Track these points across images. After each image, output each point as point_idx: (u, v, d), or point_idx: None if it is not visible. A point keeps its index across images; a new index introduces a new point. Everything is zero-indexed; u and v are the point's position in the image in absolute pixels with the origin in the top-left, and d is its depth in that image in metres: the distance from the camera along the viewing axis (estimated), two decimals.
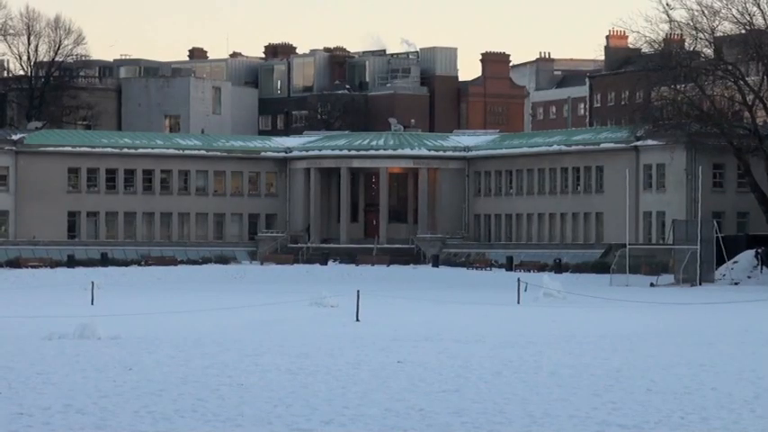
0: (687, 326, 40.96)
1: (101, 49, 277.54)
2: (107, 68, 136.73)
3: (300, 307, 51.92)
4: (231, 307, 51.19)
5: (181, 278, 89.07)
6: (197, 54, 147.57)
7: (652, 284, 77.24)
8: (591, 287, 72.05)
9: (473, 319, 45.53)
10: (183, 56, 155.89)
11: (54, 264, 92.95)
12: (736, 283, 76.32)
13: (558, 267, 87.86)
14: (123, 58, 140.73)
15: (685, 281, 77.58)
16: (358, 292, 45.71)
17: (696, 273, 77.55)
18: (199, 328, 38.59)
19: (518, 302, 56.75)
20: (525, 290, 60.97)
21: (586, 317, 46.61)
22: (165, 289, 75.05)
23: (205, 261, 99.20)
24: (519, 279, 61.72)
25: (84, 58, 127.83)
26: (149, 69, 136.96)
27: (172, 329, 37.95)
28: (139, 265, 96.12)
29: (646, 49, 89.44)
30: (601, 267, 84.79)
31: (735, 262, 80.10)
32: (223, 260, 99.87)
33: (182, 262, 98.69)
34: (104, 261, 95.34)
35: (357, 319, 42.66)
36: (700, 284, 76.38)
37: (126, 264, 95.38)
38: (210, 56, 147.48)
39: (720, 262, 79.72)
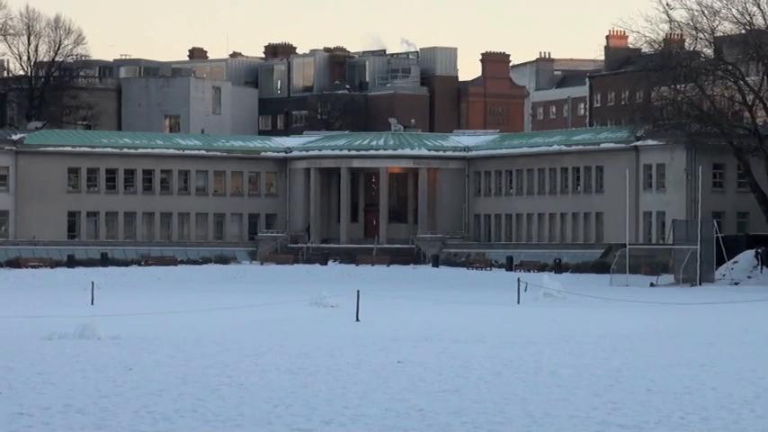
0: (687, 326, 40.94)
1: (101, 49, 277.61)
2: (107, 68, 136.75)
3: (300, 307, 51.89)
4: (231, 307, 51.15)
5: (181, 278, 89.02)
6: (197, 54, 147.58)
7: (652, 284, 77.19)
8: (591, 287, 71.99)
9: (473, 319, 45.51)
10: (183, 56, 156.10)
11: (54, 264, 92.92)
12: (736, 283, 76.28)
13: (558, 267, 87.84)
14: (123, 58, 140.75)
15: (685, 281, 77.53)
16: (358, 292, 45.66)
17: (696, 273, 77.47)
18: (199, 328, 38.57)
19: (518, 302, 56.72)
20: (525, 290, 60.91)
21: (586, 317, 46.59)
22: (165, 289, 75.01)
23: (205, 261, 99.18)
24: (519, 279, 61.66)
25: (84, 58, 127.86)
26: (149, 69, 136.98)
27: (172, 329, 37.93)
28: (139, 265, 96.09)
29: (646, 49, 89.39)
30: (601, 267, 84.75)
31: (735, 262, 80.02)
32: (223, 260, 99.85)
33: (182, 262, 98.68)
34: (104, 261, 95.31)
35: (357, 320, 42.64)
36: (700, 284, 76.32)
37: (126, 264, 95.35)
38: (210, 56, 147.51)
39: (720, 262, 79.66)
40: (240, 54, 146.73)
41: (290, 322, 42.59)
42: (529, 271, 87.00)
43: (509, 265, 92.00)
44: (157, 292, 70.97)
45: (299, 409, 18.54)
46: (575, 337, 34.77)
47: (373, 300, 53.89)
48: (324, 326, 40.33)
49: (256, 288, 74.67)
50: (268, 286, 77.20)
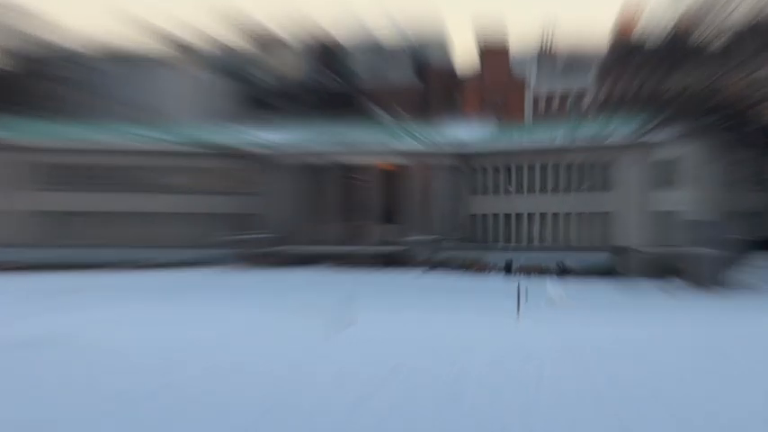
0: (701, 335, 40.70)
1: (75, 38, 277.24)
2: (82, 59, 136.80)
3: (286, 313, 51.64)
4: (214, 314, 50.89)
5: (160, 283, 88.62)
6: (178, 44, 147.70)
7: (664, 290, 77.23)
8: (598, 294, 72.08)
9: (470, 328, 45.25)
10: (163, 46, 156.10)
11: (24, 267, 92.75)
12: (753, 288, 76.30)
13: (562, 272, 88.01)
14: (99, 47, 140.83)
15: (699, 285, 77.62)
16: (347, 297, 45.42)
17: (711, 277, 77.48)
18: (180, 337, 38.36)
19: (518, 310, 56.51)
20: (526, 297, 60.74)
21: (592, 326, 46.38)
22: (142, 295, 74.73)
23: (185, 264, 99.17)
24: (520, 285, 61.46)
25: (57, 49, 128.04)
26: (127, 60, 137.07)
27: (150, 338, 37.73)
28: (116, 268, 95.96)
29: (655, 39, 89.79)
30: (608, 272, 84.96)
31: (752, 265, 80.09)
32: (204, 263, 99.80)
33: (161, 265, 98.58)
34: (78, 264, 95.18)
35: (346, 327, 42.39)
36: (715, 289, 76.31)
37: (101, 267, 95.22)
38: (192, 46, 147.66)
39: (737, 265, 79.79)
40: (224, 44, 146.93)
41: (275, 329, 42.35)
42: (530, 275, 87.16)
43: (508, 270, 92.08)
44: (134, 297, 70.70)
45: (288, 420, 18.53)
46: (579, 349, 34.54)
47: (364, 306, 53.75)
48: (311, 333, 40.06)
49: (240, 294, 74.49)
50: (252, 291, 77.05)
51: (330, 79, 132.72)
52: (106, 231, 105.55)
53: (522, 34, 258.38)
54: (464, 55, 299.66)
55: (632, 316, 53.42)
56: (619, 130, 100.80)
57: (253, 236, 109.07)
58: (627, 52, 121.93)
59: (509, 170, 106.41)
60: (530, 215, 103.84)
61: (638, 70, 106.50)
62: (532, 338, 39.25)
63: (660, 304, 63.54)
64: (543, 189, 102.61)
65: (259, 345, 36.10)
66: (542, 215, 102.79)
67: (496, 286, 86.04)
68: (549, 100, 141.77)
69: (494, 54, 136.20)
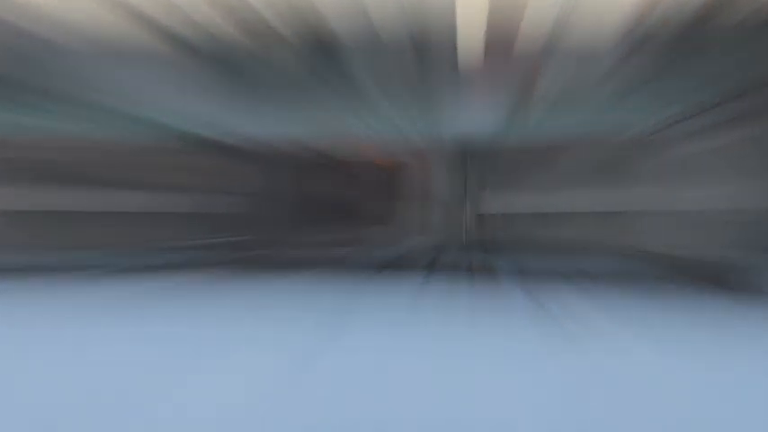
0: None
1: (46, 23, 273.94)
2: (50, 44, 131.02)
3: (230, 344, 43.06)
4: (133, 343, 42.18)
5: (119, 294, 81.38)
6: (156, 29, 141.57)
7: (706, 302, 69.71)
8: (634, 309, 63.69)
9: (474, 377, 36.04)
10: (139, 31, 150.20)
11: None
12: None
13: (584, 280, 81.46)
14: (69, 32, 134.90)
15: (742, 294, 70.36)
16: (321, 322, 37.09)
17: (755, 284, 70.32)
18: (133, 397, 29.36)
19: (539, 340, 47.49)
20: (549, 316, 52.17)
21: (644, 368, 37.09)
22: (99, 312, 66.81)
23: (153, 270, 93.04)
24: (538, 299, 53.04)
25: (27, 34, 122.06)
26: (98, 45, 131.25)
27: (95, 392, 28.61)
28: (71, 273, 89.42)
29: (677, 20, 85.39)
30: (640, 281, 78.56)
31: None
32: (176, 269, 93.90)
33: (124, 270, 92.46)
34: (24, 270, 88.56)
35: (316, 363, 33.46)
36: (760, 298, 68.95)
37: (53, 272, 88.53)
38: (173, 31, 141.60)
39: None
40: (205, 29, 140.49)
41: (201, 373, 33.39)
42: (545, 283, 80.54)
43: (520, 277, 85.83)
44: (89, 316, 62.59)
45: None
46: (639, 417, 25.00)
47: (337, 337, 45.27)
48: (251, 384, 30.98)
49: (214, 306, 66.68)
50: (228, 304, 69.32)
51: (325, 70, 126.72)
52: (61, 232, 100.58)
53: (534, 18, 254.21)
54: (472, 40, 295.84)
55: (687, 342, 44.77)
56: (644, 120, 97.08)
57: (229, 238, 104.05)
58: (650, 36, 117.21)
59: (520, 165, 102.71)
60: (543, 215, 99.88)
61: (663, 55, 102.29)
62: (566, 397, 29.99)
63: (714, 322, 55.56)
64: (559, 186, 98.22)
65: (176, 393, 26.94)
66: (557, 215, 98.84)
67: (510, 299, 78.70)
68: (565, 88, 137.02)
69: (504, 39, 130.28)
